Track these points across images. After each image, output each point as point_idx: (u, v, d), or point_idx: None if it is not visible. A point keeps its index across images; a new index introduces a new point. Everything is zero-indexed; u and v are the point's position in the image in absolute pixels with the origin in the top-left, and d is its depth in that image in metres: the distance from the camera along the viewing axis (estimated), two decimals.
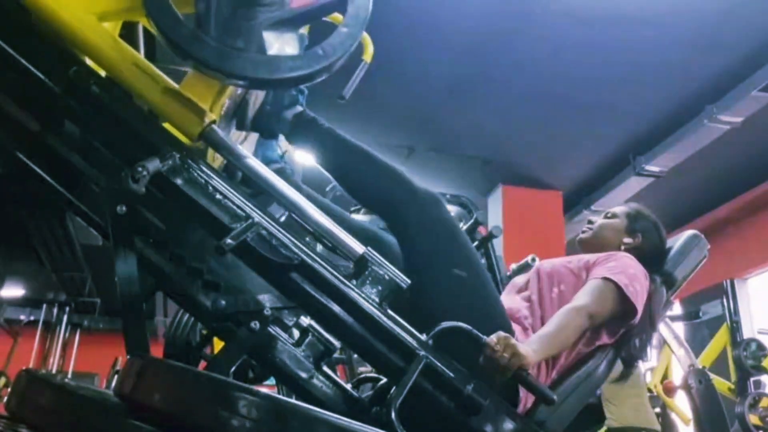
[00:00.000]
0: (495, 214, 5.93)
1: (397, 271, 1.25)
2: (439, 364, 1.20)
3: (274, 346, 1.32)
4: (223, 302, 1.28)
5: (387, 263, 1.24)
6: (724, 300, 4.55)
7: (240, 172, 1.36)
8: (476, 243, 3.01)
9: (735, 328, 4.39)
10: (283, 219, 1.25)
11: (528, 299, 1.60)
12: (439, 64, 4.36)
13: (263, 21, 1.21)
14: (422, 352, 1.19)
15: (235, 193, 1.20)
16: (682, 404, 4.18)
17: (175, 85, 1.20)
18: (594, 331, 1.51)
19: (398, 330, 1.21)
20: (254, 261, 1.21)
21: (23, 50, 1.20)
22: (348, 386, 1.45)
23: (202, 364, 1.86)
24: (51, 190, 1.35)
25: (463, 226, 2.86)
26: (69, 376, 8.19)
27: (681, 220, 5.87)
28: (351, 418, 0.95)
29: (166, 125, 1.23)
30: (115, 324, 9.15)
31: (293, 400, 0.99)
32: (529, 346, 1.27)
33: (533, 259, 2.66)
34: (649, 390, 4.05)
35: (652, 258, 1.71)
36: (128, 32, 1.38)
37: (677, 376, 4.20)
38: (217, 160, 1.40)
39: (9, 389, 1.49)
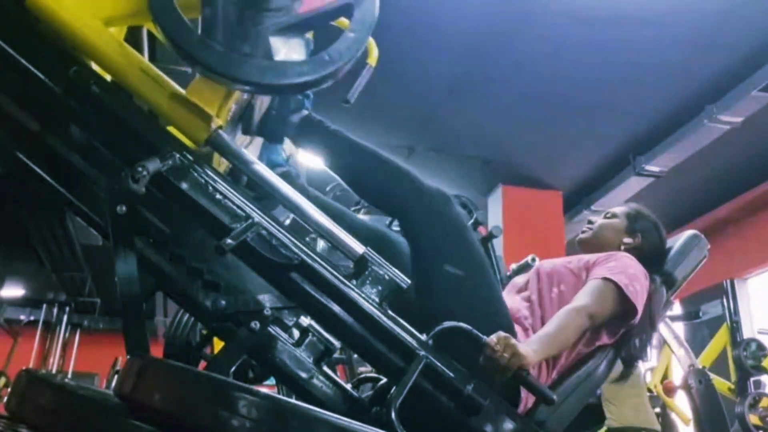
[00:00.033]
0: (495, 214, 5.92)
1: (397, 271, 1.25)
2: (439, 364, 1.20)
3: (274, 346, 1.33)
4: (223, 302, 1.28)
5: (387, 263, 1.24)
6: (724, 300, 4.56)
7: (245, 177, 1.36)
8: None
9: (735, 328, 4.39)
10: (287, 222, 1.25)
11: (528, 299, 1.60)
12: (439, 64, 4.36)
13: (270, 26, 1.20)
14: (422, 352, 1.19)
15: (235, 193, 1.20)
16: (682, 404, 4.18)
17: (182, 91, 1.20)
18: (594, 331, 1.51)
19: (398, 330, 1.21)
20: (254, 261, 1.21)
21: (23, 50, 1.20)
22: (348, 386, 1.45)
23: (202, 364, 1.85)
24: (51, 190, 1.35)
25: None
26: (69, 376, 8.19)
27: (681, 220, 5.87)
28: (351, 418, 0.95)
29: (172, 129, 1.23)
30: (115, 324, 9.16)
31: (293, 400, 0.99)
32: (529, 346, 1.27)
33: (533, 259, 2.66)
34: (649, 390, 4.05)
35: (652, 258, 1.71)
36: (131, 35, 1.37)
37: (677, 376, 4.20)
38: (222, 164, 1.40)
39: (9, 389, 1.49)
